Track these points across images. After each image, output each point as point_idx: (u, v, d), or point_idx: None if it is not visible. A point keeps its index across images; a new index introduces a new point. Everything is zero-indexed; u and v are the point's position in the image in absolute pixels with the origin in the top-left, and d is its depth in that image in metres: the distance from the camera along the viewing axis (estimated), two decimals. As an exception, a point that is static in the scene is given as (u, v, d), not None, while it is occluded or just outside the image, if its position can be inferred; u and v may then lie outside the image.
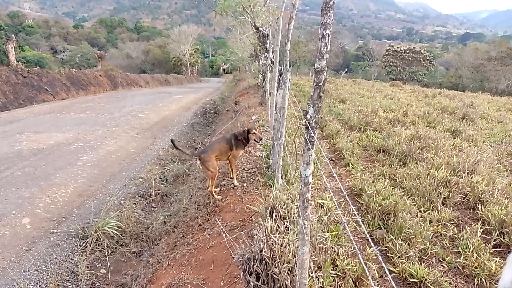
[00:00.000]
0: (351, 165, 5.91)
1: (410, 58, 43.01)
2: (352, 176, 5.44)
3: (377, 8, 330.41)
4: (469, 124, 9.77)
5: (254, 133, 4.72)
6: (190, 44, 54.09)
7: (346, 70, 53.55)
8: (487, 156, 6.24)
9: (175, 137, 10.48)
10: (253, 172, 5.17)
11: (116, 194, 6.20)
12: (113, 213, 5.12)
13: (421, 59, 43.12)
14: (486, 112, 11.81)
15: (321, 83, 2.05)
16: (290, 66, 4.27)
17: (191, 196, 5.42)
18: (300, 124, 3.44)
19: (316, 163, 5.83)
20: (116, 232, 4.76)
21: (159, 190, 6.47)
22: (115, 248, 4.66)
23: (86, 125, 10.95)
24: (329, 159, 6.33)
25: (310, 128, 2.15)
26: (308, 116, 2.08)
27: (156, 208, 5.97)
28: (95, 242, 4.56)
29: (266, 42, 9.22)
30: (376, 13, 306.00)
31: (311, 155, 2.24)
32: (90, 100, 17.21)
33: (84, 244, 4.52)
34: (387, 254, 3.32)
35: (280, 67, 4.72)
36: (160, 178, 7.09)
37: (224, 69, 65.62)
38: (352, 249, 3.09)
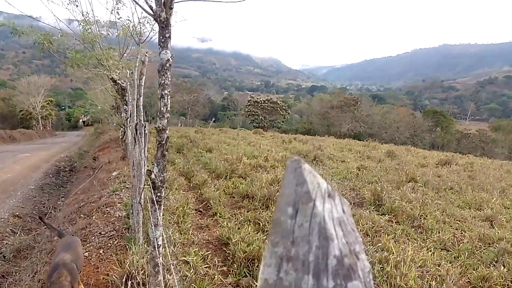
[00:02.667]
0: (218, 214, 5.95)
1: (269, 108, 47.48)
2: (220, 225, 5.46)
3: (238, 63, 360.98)
4: (319, 165, 11.08)
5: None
6: (42, 95, 48.67)
7: (214, 119, 55.84)
8: (334, 193, 7.09)
9: (19, 202, 8.93)
10: (111, 235, 4.70)
11: None
12: None
13: (278, 108, 48.07)
14: (332, 153, 13.65)
15: (163, 142, 2.02)
16: (148, 121, 4.18)
17: (35, 273, 4.56)
18: (146, 184, 3.32)
19: (184, 216, 5.69)
20: None
21: (-8, 272, 5.26)
22: None
23: None
24: (196, 210, 6.26)
25: (156, 188, 2.07)
26: (153, 176, 2.01)
27: (-14, 297, 4.81)
28: None
29: (125, 94, 8.92)
30: (237, 68, 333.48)
31: (160, 216, 2.14)
32: None
33: None
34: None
35: (136, 122, 4.57)
36: (-5, 256, 5.82)
37: (84, 122, 60.74)
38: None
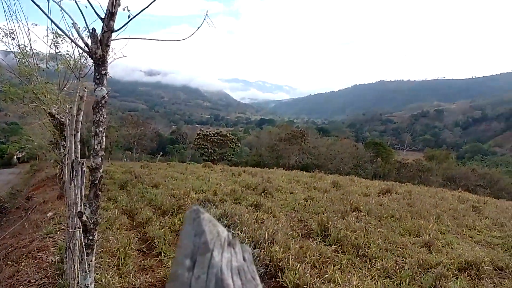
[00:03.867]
0: (163, 253, 5.69)
1: (219, 141, 47.46)
2: (164, 265, 5.21)
3: (187, 97, 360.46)
4: (268, 197, 11.15)
5: None
6: (-30, 130, 44.61)
7: (162, 153, 54.51)
8: (282, 225, 7.14)
9: None
10: (42, 283, 4.28)
11: None
12: None
13: (228, 141, 48.23)
14: (281, 185, 13.84)
15: (96, 181, 1.93)
16: (88, 158, 3.97)
17: None
18: (76, 227, 3.12)
19: (125, 257, 5.35)
20: None
21: None
22: None
23: None
24: (139, 250, 5.93)
25: (87, 231, 1.95)
26: (84, 218, 1.89)
27: None
28: None
29: (64, 130, 8.47)
30: (186, 101, 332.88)
31: (92, 261, 2.01)
32: None
33: None
34: None
35: (73, 159, 4.33)
36: None
37: (18, 158, 56.19)
38: None
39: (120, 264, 5.08)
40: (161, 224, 7.32)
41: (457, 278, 5.30)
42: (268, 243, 5.81)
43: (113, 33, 2.06)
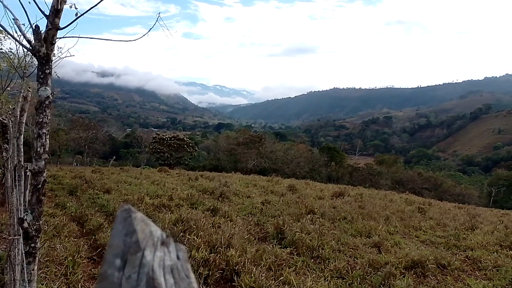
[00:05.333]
0: (114, 261, 5.46)
1: (175, 145, 46.58)
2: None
3: (142, 100, 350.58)
4: (225, 201, 11.11)
5: None
6: None
7: (115, 157, 52.49)
8: (238, 229, 7.14)
9: None
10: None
11: None
12: None
13: (185, 145, 47.47)
14: (238, 189, 13.84)
15: (39, 186, 1.83)
16: (29, 162, 3.73)
17: None
18: (16, 235, 2.95)
19: (73, 266, 5.08)
20: None
21: None
22: None
23: None
24: (89, 258, 5.66)
25: (29, 238, 1.83)
26: (26, 225, 1.78)
27: None
28: None
29: (6, 132, 7.91)
30: (141, 104, 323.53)
31: (34, 270, 1.89)
32: None
33: None
34: None
35: (16, 163, 4.05)
36: None
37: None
38: None
39: (68, 273, 4.81)
40: (113, 231, 7.04)
41: (404, 276, 5.59)
42: (225, 247, 5.78)
43: (60, 31, 1.97)
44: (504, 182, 46.07)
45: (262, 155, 43.96)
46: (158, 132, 63.05)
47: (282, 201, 11.67)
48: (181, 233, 6.44)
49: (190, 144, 48.54)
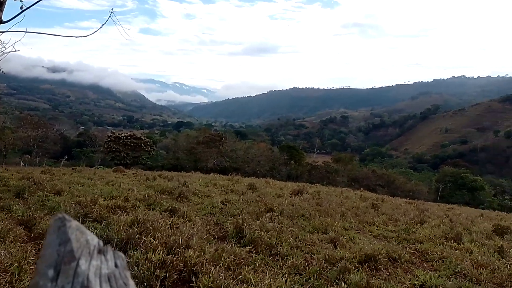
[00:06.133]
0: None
1: (132, 144, 45.13)
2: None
3: (96, 97, 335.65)
4: (184, 202, 10.94)
5: None
6: None
7: (67, 157, 49.98)
8: (197, 229, 7.07)
9: None
10: None
11: None
12: None
13: (143, 144, 46.13)
14: (198, 189, 13.68)
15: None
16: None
17: None
18: None
19: (20, 273, 4.78)
20: None
21: None
22: None
23: None
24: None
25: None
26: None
27: None
28: None
29: None
30: (96, 101, 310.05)
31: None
32: None
33: None
34: None
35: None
36: None
37: None
38: None
39: (14, 281, 4.52)
40: (64, 234, 6.70)
41: (358, 270, 5.81)
42: (183, 248, 5.70)
43: (3, 25, 1.85)
44: (450, 178, 49.27)
45: (222, 154, 43.79)
46: (114, 131, 60.78)
47: (242, 200, 11.70)
48: (137, 235, 6.26)
49: (148, 143, 47.23)
